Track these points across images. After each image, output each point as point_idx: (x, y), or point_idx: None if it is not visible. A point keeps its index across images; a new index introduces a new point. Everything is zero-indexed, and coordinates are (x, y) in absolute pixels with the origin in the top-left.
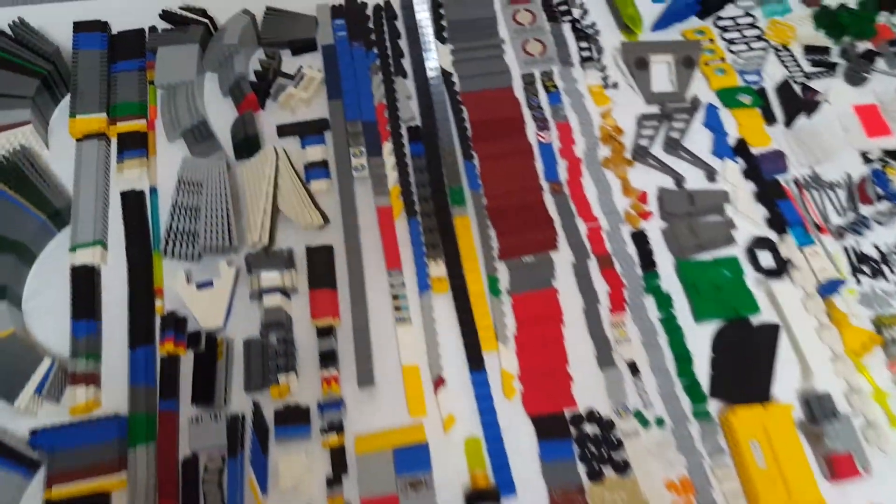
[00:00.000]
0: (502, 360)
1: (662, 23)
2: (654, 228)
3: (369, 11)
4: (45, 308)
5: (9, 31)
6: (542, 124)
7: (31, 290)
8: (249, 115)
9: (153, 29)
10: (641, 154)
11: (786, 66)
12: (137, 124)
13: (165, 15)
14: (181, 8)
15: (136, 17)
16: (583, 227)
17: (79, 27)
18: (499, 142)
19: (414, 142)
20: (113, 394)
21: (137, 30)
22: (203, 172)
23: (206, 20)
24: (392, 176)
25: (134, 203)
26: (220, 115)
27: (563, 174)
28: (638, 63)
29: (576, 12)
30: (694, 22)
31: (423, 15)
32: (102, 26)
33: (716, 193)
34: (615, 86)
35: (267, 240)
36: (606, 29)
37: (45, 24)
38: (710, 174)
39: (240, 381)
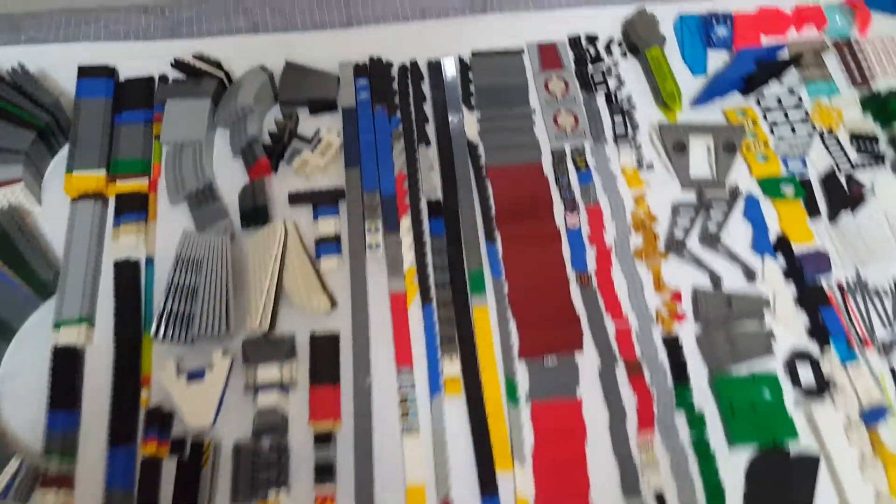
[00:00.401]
0: (518, 483)
1: (703, 98)
2: (687, 333)
3: (395, 72)
4: (21, 392)
5: (7, 77)
6: (571, 206)
7: (7, 371)
8: (260, 183)
9: (164, 78)
10: (676, 247)
11: (831, 154)
12: (138, 184)
13: (178, 64)
14: (195, 57)
15: (146, 62)
16: (611, 327)
17: (84, 72)
18: (524, 223)
19: (434, 218)
20: (87, 496)
21: (147, 78)
22: (204, 249)
23: (220, 73)
24: (408, 256)
25: (128, 275)
26: (230, 176)
27: (591, 264)
28: (676, 146)
29: (611, 83)
30: (736, 98)
31: (451, 79)
32: (109, 72)
33: (755, 298)
34: (650, 167)
35: (267, 325)
36: (643, 103)
37: (49, 65)
38: (750, 275)
39: (226, 491)
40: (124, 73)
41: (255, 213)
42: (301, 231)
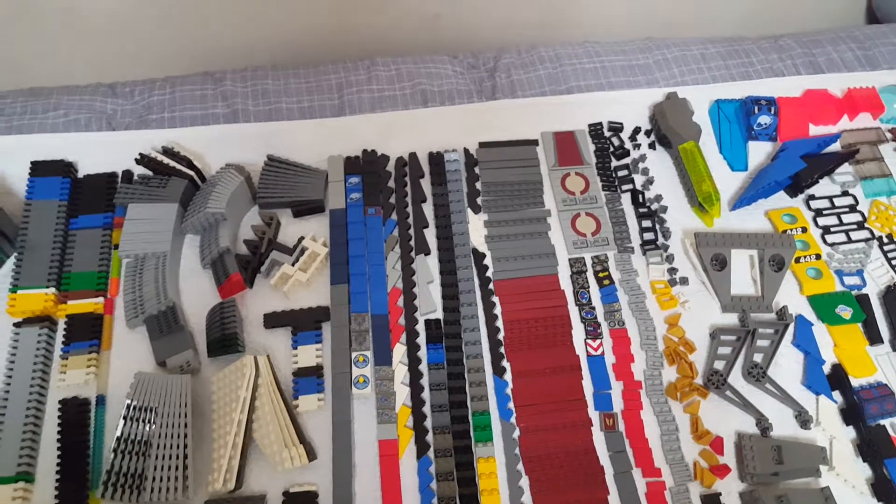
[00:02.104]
0: None
1: (745, 200)
2: (730, 491)
3: (391, 165)
4: None
5: None
6: (592, 329)
7: None
8: (230, 307)
9: (128, 175)
10: (716, 382)
11: (892, 266)
12: (92, 304)
13: (143, 160)
14: (164, 151)
15: (109, 155)
16: (641, 483)
17: (38, 169)
18: (538, 352)
19: (433, 344)
20: None
21: (108, 174)
22: (159, 394)
23: (191, 172)
24: (402, 393)
25: (74, 418)
26: (197, 291)
27: (617, 401)
28: (715, 259)
29: (639, 181)
30: (781, 199)
31: (456, 174)
32: (65, 168)
33: (809, 447)
34: (684, 283)
35: (233, 484)
36: (675, 204)
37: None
38: (804, 420)
39: None
40: (84, 169)
41: (224, 341)
42: (277, 363)
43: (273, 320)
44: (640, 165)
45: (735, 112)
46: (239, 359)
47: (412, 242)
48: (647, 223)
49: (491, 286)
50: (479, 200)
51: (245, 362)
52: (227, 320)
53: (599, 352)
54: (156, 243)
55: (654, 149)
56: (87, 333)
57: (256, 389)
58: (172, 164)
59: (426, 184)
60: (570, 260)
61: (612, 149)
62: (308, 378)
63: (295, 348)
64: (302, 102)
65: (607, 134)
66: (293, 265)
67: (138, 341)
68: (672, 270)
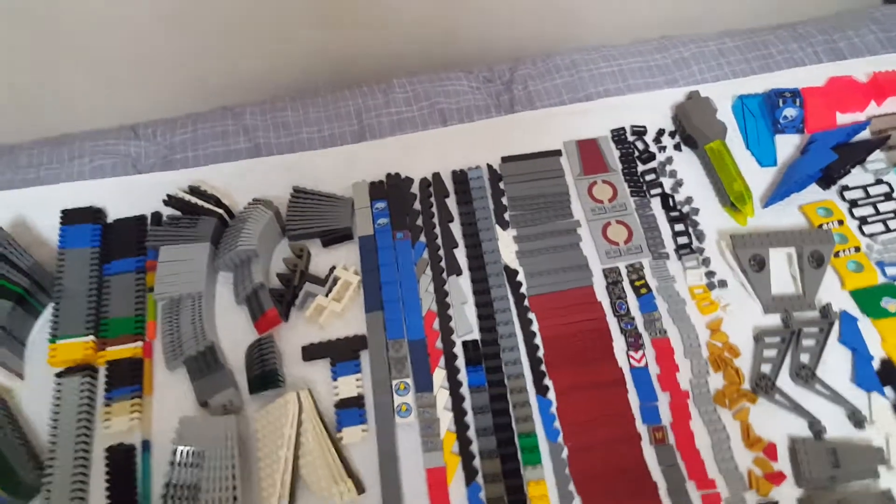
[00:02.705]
0: None
1: (777, 196)
2: (787, 498)
3: (415, 187)
4: None
5: None
6: (634, 340)
7: None
8: (268, 342)
9: (157, 216)
10: (764, 387)
11: None
12: (132, 349)
13: (171, 201)
14: (191, 191)
15: (137, 199)
16: (695, 495)
17: (68, 217)
18: (580, 367)
19: (473, 367)
20: None
21: (137, 217)
22: (206, 438)
23: (219, 210)
24: (445, 418)
25: (121, 464)
26: (234, 328)
27: (665, 414)
28: (753, 260)
29: (667, 184)
30: (814, 192)
31: (480, 191)
32: (95, 215)
33: (866, 448)
34: (723, 285)
35: None
36: (707, 205)
37: (27, 210)
38: (857, 419)
39: None
40: (113, 213)
41: (265, 377)
42: (318, 395)
43: (311, 352)
44: (668, 168)
45: (759, 106)
46: (280, 394)
47: (443, 264)
48: (679, 227)
49: (526, 303)
50: (506, 216)
51: (288, 399)
52: (267, 356)
53: (643, 363)
54: (190, 284)
55: (680, 150)
56: (129, 379)
57: (301, 425)
58: (200, 203)
59: (452, 203)
60: (604, 270)
61: (637, 153)
62: (350, 409)
63: (335, 379)
64: (322, 131)
65: (631, 138)
66: (327, 296)
67: (179, 383)
68: (709, 274)
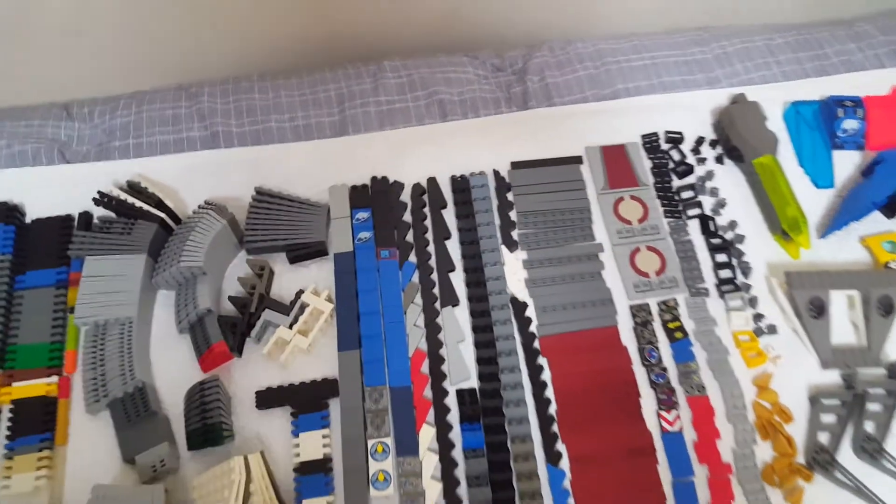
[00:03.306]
0: None
1: (836, 225)
2: None
3: (406, 195)
4: None
5: None
6: (666, 397)
7: None
8: (212, 386)
9: (85, 218)
10: (822, 461)
11: None
12: (44, 385)
13: (103, 200)
14: (129, 188)
15: (63, 194)
16: None
17: None
18: (600, 430)
19: (469, 424)
20: None
21: (62, 218)
22: None
23: (161, 213)
24: (433, 491)
25: None
26: (174, 363)
27: (702, 492)
28: (812, 305)
29: (707, 203)
30: (876, 220)
31: (485, 203)
32: (8, 213)
33: None
34: (772, 331)
35: None
36: (753, 232)
37: None
38: None
39: None
40: (32, 212)
41: (207, 431)
42: (273, 456)
43: (268, 399)
44: (708, 185)
45: (815, 116)
46: (228, 451)
47: (436, 290)
48: (721, 257)
49: (536, 344)
50: (514, 234)
51: (232, 465)
52: (210, 403)
53: (676, 427)
54: (120, 306)
55: (722, 163)
56: (38, 424)
57: (248, 499)
58: (139, 203)
59: (450, 216)
60: (631, 307)
61: (671, 165)
62: (314, 476)
63: (296, 435)
64: (296, 120)
65: (665, 146)
66: (291, 327)
67: (101, 431)
68: (757, 317)
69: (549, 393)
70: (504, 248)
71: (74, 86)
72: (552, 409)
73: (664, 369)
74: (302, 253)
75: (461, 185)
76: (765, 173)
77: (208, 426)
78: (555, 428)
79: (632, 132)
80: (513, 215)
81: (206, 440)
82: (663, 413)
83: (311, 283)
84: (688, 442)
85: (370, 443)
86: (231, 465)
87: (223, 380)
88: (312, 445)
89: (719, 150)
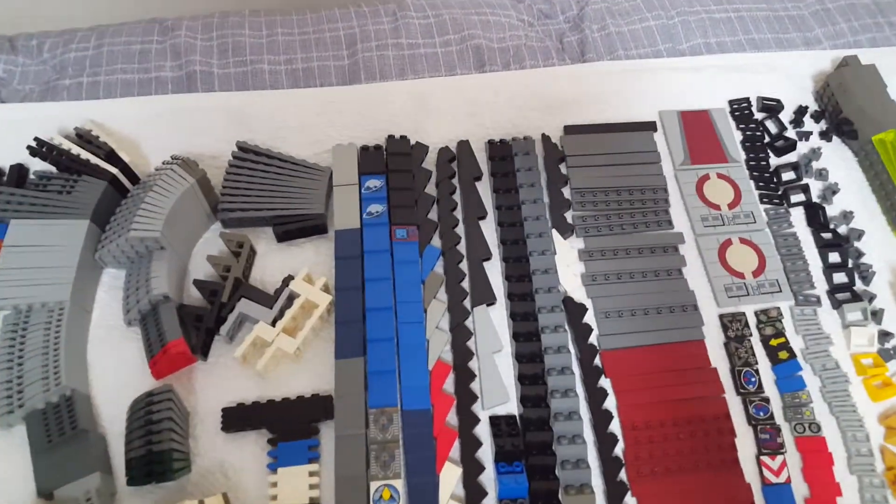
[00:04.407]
0: None
1: None
2: None
3: (430, 161)
4: None
5: None
6: (769, 438)
7: None
8: (163, 400)
9: (18, 172)
10: None
11: None
12: None
13: (41, 149)
14: (77, 134)
15: None
16: None
17: None
18: (682, 478)
19: (506, 465)
20: None
21: None
22: None
23: (112, 168)
24: None
25: None
26: (119, 365)
27: None
28: None
29: (814, 188)
30: None
31: (531, 177)
32: None
33: None
34: None
35: None
36: (872, 226)
37: None
38: None
39: None
40: None
41: (152, 463)
42: (241, 498)
43: (238, 419)
44: (814, 165)
45: None
46: (179, 485)
47: (466, 284)
48: (834, 257)
49: (598, 360)
50: (568, 217)
51: None
52: (159, 423)
53: (783, 477)
54: (50, 286)
55: (829, 140)
56: None
57: None
58: (85, 155)
59: (485, 189)
60: (721, 318)
61: (767, 138)
62: None
63: (274, 470)
64: (294, 62)
65: (759, 115)
66: (274, 324)
67: (12, 453)
68: (884, 336)
69: (615, 426)
70: (555, 233)
71: (21, 12)
72: (619, 448)
73: (766, 400)
74: (294, 228)
75: (501, 152)
76: (887, 153)
77: (154, 454)
78: (622, 475)
79: (717, 96)
80: (566, 192)
81: (151, 473)
82: (766, 459)
83: (304, 267)
84: (798, 498)
85: (373, 486)
86: None
87: (181, 390)
88: (295, 486)
89: (825, 123)
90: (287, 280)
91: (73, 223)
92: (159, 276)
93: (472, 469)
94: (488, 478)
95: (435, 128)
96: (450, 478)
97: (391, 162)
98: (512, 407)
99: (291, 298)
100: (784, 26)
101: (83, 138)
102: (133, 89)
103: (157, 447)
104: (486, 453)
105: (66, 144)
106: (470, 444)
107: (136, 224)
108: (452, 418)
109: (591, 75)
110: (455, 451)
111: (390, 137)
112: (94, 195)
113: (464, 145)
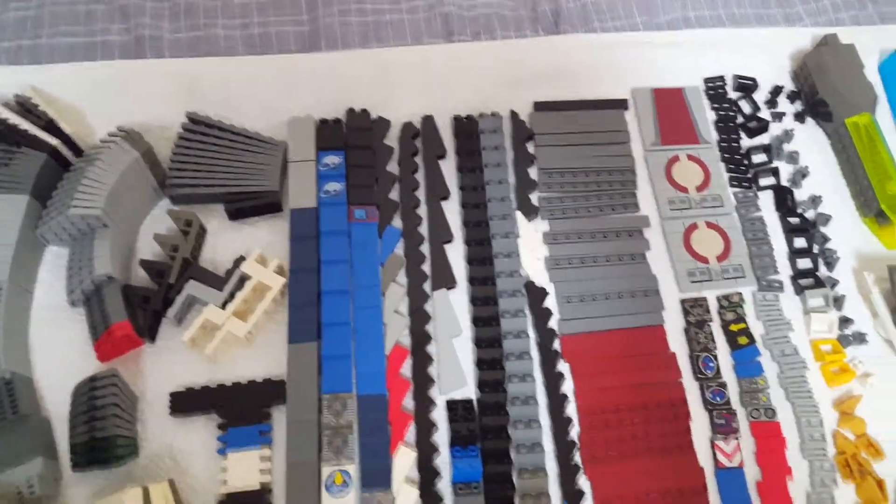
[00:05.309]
0: None
1: None
2: None
3: (392, 137)
4: None
5: None
6: (724, 423)
7: None
8: (107, 384)
9: None
10: None
11: None
12: None
13: None
14: (17, 102)
15: None
16: None
17: None
18: (636, 461)
19: (461, 449)
20: None
21: None
22: None
23: (53, 139)
24: None
25: None
26: (62, 346)
27: None
28: None
29: (784, 171)
30: None
31: (497, 155)
32: None
33: None
34: (861, 340)
35: None
36: (840, 212)
37: None
38: None
39: None
40: None
41: (97, 446)
42: (190, 483)
43: (187, 403)
44: (786, 147)
45: None
46: (127, 470)
47: (426, 267)
48: (800, 242)
49: (556, 345)
50: (534, 198)
51: (130, 495)
52: (103, 409)
53: (736, 461)
54: None
55: (803, 121)
56: None
57: None
58: (25, 125)
59: (450, 168)
60: (683, 302)
61: (741, 119)
62: None
63: (224, 455)
64: (250, 27)
65: (733, 95)
66: (224, 306)
67: None
68: (844, 322)
69: (571, 410)
70: (520, 216)
71: None
72: (574, 432)
73: (723, 385)
74: (246, 206)
75: (466, 129)
76: (860, 137)
77: (98, 440)
78: (577, 458)
79: (692, 74)
80: (533, 172)
81: (95, 459)
82: (720, 443)
83: (257, 248)
84: (749, 481)
85: (326, 470)
86: (128, 495)
87: (128, 374)
88: (246, 470)
89: (800, 104)
90: (239, 261)
91: (12, 198)
92: (102, 256)
93: (426, 452)
94: (443, 461)
95: (398, 101)
96: (404, 461)
97: (351, 137)
98: (470, 392)
99: (243, 280)
100: (765, 1)
101: (23, 107)
102: (77, 54)
103: (100, 433)
104: (441, 437)
105: (4, 113)
106: (426, 428)
107: (76, 201)
108: (409, 402)
109: (564, 49)
110: (411, 434)
111: (350, 111)
112: (32, 168)
113: (428, 121)
